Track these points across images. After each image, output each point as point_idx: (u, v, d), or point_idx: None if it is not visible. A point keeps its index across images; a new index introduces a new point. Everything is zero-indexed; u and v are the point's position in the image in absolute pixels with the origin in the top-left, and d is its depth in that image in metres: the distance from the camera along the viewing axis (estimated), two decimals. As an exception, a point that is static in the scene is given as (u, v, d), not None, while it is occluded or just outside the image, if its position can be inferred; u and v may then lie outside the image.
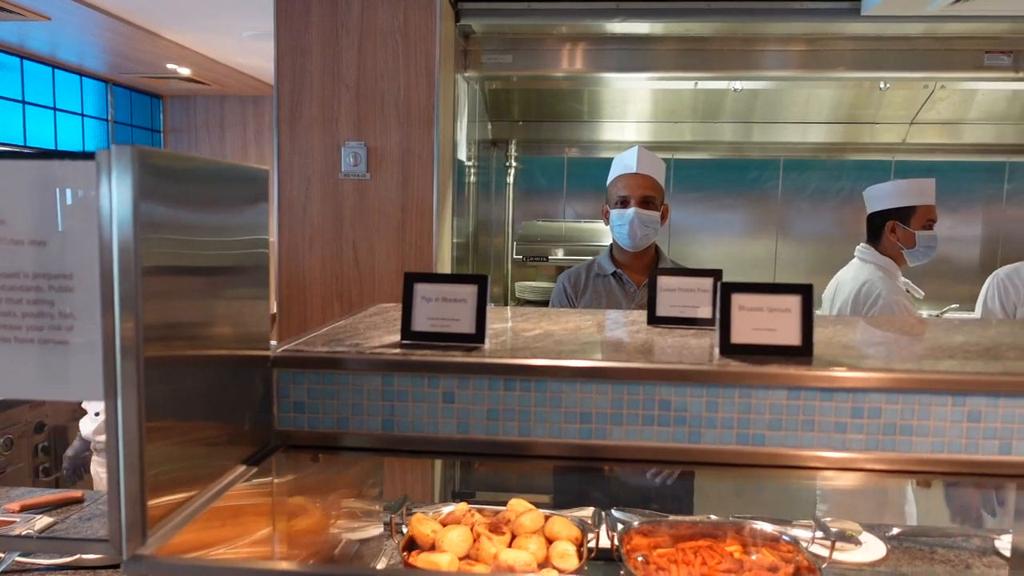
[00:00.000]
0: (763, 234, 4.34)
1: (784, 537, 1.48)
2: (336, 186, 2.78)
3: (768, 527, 1.52)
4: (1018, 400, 0.89)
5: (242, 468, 0.91)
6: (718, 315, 1.04)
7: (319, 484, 1.22)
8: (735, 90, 3.83)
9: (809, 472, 0.94)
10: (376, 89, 2.74)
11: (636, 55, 3.32)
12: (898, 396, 0.90)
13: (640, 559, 1.41)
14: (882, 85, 3.71)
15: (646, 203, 2.38)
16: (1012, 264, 2.65)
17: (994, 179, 4.24)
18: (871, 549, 1.67)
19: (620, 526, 1.49)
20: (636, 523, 1.51)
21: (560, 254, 4.04)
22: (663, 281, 1.40)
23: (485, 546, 1.38)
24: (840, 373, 0.92)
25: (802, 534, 1.44)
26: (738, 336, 1.02)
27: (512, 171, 4.37)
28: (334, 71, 2.73)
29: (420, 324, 1.11)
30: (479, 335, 1.08)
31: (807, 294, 1.02)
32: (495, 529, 1.48)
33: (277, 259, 2.77)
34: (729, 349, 1.02)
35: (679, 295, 1.40)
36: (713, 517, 1.58)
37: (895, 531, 1.77)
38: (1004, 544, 1.67)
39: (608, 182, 2.48)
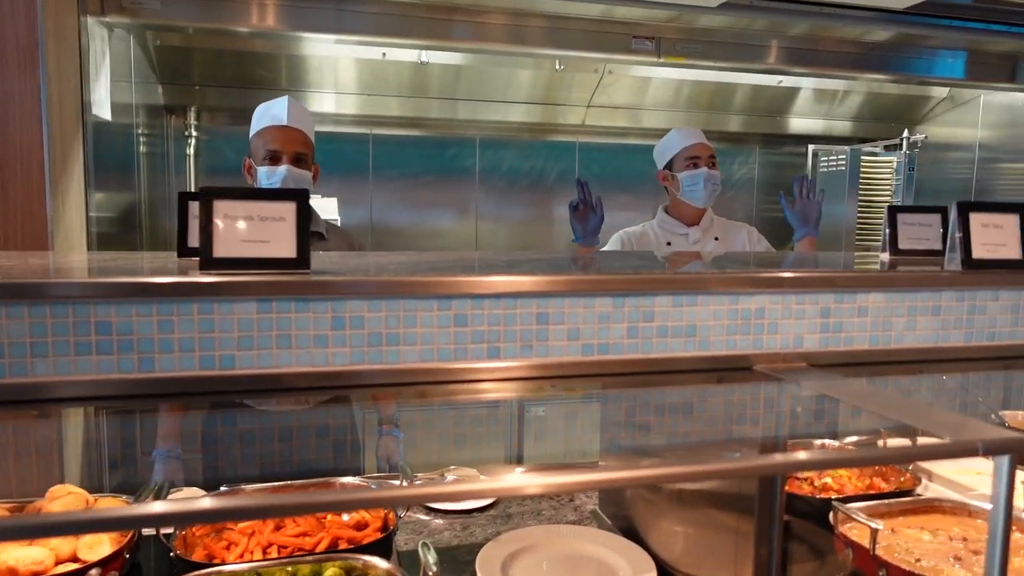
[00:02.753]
0: (463, 214, 4.38)
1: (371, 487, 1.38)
2: (-97, 137, 2.22)
3: (356, 481, 1.41)
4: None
5: None
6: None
7: None
8: (422, 62, 3.78)
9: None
10: (-45, 17, 2.22)
11: (326, 16, 3.11)
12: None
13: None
14: (558, 65, 3.90)
15: (298, 160, 2.20)
16: (637, 226, 2.90)
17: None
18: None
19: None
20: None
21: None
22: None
23: (-12, 547, 1.09)
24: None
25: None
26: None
27: (192, 142, 3.93)
28: None
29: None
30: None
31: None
32: (14, 524, 1.18)
33: None
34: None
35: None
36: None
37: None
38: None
39: (252, 133, 2.26)
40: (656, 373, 0.90)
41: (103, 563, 1.11)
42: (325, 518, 1.33)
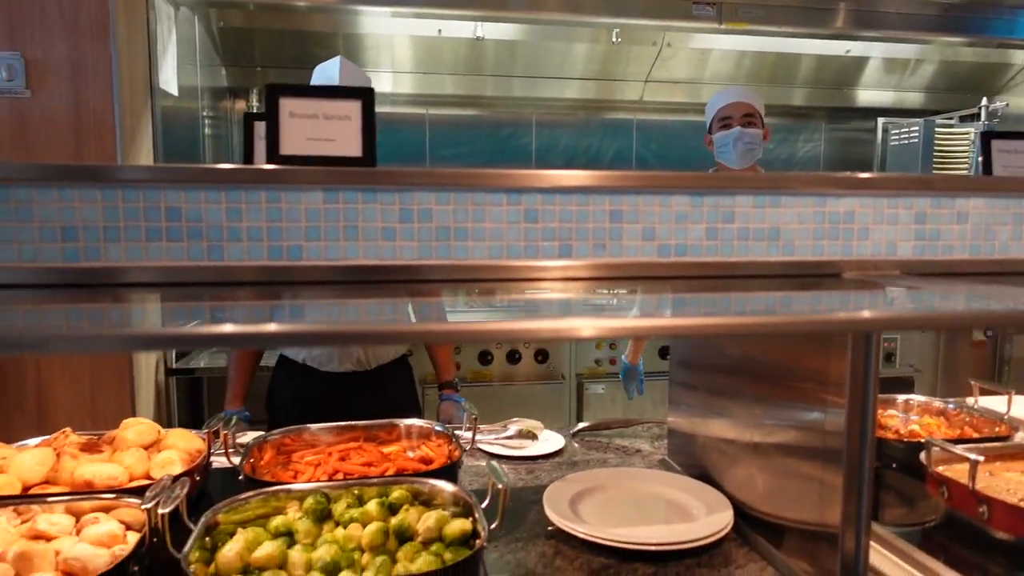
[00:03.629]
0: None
1: (436, 428, 1.36)
2: (-13, 105, 2.31)
3: (421, 423, 1.40)
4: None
5: None
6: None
7: None
8: (477, 38, 3.77)
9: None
10: (33, -11, 2.31)
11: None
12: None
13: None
14: (615, 38, 3.83)
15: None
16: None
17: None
18: (550, 443, 1.62)
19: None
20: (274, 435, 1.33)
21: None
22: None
23: (66, 464, 1.12)
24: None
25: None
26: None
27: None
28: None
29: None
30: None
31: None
32: (90, 448, 1.21)
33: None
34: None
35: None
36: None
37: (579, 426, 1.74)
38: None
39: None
40: (736, 277, 0.85)
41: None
42: (390, 454, 1.32)
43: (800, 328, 0.76)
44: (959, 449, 1.11)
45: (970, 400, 1.57)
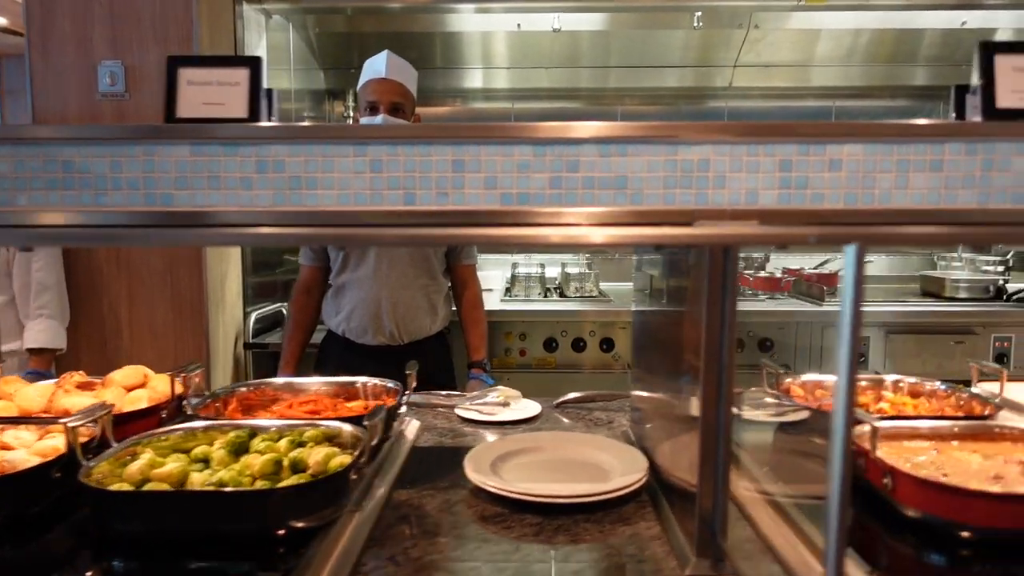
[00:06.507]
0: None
1: (389, 385, 1.45)
2: (94, 107, 2.67)
3: (376, 381, 1.48)
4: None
5: None
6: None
7: None
8: (555, 30, 3.82)
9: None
10: (131, 5, 2.64)
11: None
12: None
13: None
14: (695, 23, 3.74)
15: (395, 110, 2.35)
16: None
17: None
18: (526, 410, 1.66)
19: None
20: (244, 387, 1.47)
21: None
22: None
23: (58, 397, 1.31)
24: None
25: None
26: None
27: (350, 123, 4.29)
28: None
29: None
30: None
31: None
32: (86, 387, 1.41)
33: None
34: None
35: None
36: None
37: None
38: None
39: (359, 87, 2.44)
40: (582, 225, 0.87)
41: (141, 414, 1.29)
42: (347, 408, 1.42)
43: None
44: (860, 412, 1.04)
45: (984, 386, 1.44)
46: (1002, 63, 0.89)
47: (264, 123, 0.95)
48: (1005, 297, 3.48)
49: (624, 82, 4.25)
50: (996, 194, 0.88)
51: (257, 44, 3.23)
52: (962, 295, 3.56)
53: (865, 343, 3.40)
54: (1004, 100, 0.89)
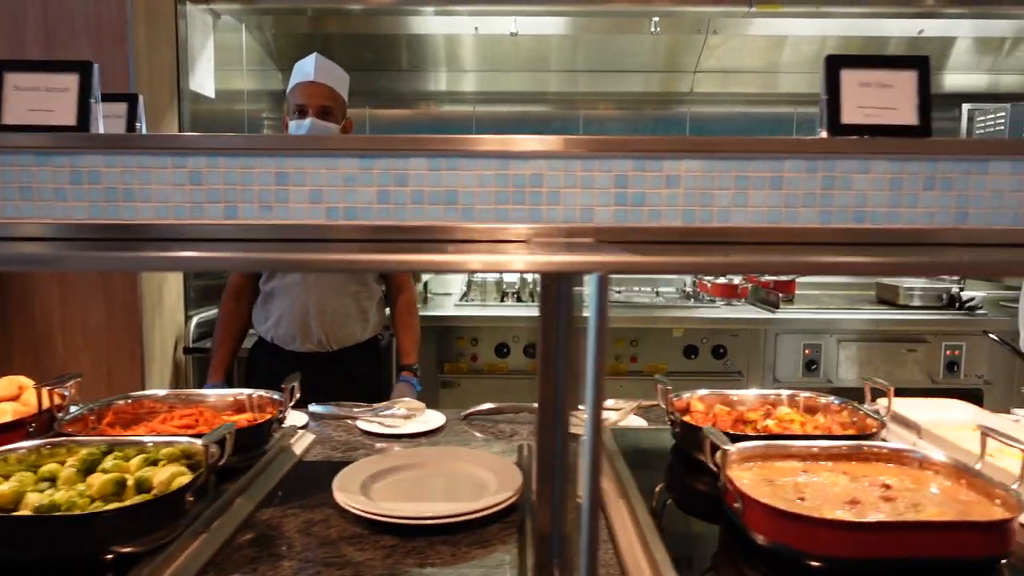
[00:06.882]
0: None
1: (274, 397, 1.41)
2: (26, 108, 2.62)
3: (262, 393, 1.45)
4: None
5: None
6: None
7: None
8: (512, 34, 3.79)
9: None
10: (64, 5, 2.60)
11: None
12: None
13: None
14: (653, 28, 3.72)
15: (324, 114, 2.31)
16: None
17: (784, 131, 4.30)
18: (428, 423, 1.62)
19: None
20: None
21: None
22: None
23: (-75, 408, 1.26)
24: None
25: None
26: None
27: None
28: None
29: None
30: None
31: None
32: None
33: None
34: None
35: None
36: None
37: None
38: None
39: (288, 90, 2.40)
40: (410, 241, 0.83)
41: (3, 428, 1.25)
42: (230, 417, 1.38)
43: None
44: (713, 434, 1.01)
45: (881, 401, 1.41)
46: (848, 78, 0.86)
47: (84, 132, 0.91)
48: (958, 305, 3.46)
49: (592, 86, 4.22)
50: (837, 213, 0.85)
51: (203, 45, 3.19)
52: (916, 303, 3.54)
53: (817, 351, 3.39)
54: (849, 116, 0.86)
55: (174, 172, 0.83)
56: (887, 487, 1.03)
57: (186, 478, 1.02)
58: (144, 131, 0.95)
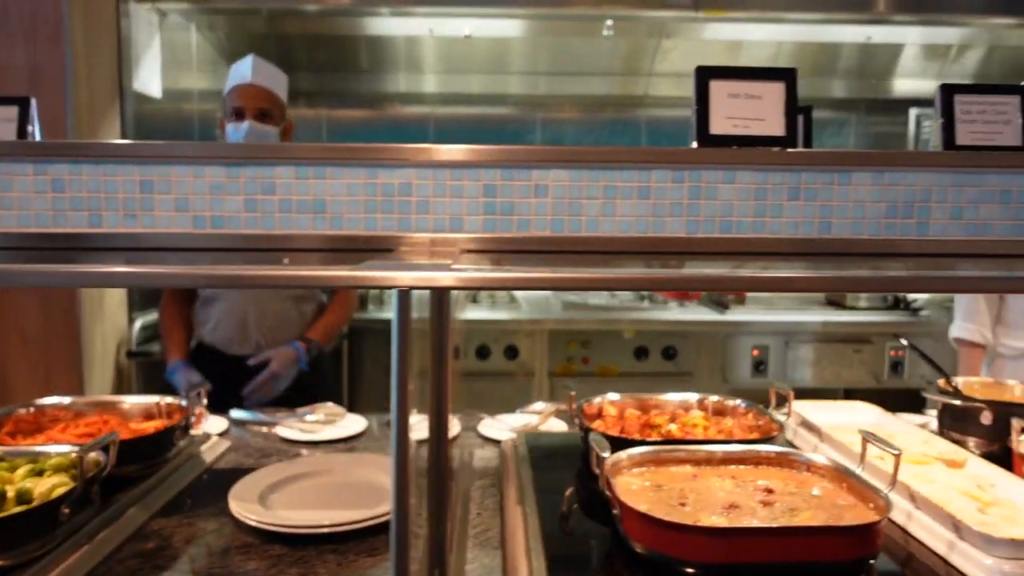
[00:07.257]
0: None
1: (182, 404, 1.40)
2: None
3: (169, 400, 1.43)
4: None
5: None
6: None
7: None
8: (466, 36, 3.78)
9: None
10: (-2, 0, 2.55)
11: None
12: None
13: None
14: (605, 31, 3.73)
15: (262, 116, 2.29)
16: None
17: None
18: (349, 428, 1.62)
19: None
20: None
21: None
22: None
23: None
24: None
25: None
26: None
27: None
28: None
29: None
30: None
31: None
32: None
33: None
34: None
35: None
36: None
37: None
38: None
39: (225, 92, 2.37)
40: (279, 251, 0.82)
41: None
42: (137, 429, 1.37)
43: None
44: (594, 439, 1.02)
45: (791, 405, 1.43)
46: (718, 88, 0.87)
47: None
48: (903, 307, 3.52)
49: (552, 89, 4.23)
50: (704, 222, 0.86)
51: (148, 44, 3.15)
52: (863, 304, 3.60)
53: (765, 351, 3.42)
54: (718, 127, 0.87)
55: (35, 180, 0.82)
56: (769, 491, 1.04)
57: (63, 490, 1.00)
58: (38, 136, 0.94)
